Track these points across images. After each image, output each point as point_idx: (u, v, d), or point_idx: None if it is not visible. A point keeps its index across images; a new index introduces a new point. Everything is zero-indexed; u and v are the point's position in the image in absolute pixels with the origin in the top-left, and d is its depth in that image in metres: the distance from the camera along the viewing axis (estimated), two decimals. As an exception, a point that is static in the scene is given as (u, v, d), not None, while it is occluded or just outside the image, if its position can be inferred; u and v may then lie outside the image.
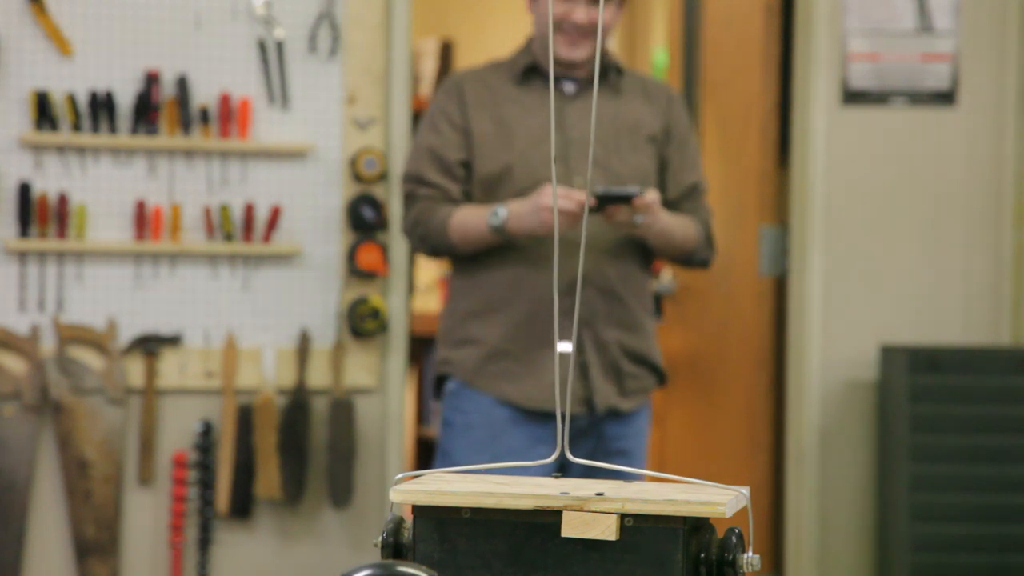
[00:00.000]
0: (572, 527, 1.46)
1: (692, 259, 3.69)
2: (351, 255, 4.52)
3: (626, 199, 3.43)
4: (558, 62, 3.59)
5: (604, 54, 3.69)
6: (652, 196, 3.46)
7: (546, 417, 3.59)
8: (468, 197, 3.62)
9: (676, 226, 3.59)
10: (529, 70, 3.66)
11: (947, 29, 4.73)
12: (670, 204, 3.66)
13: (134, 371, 4.49)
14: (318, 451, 4.56)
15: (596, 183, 3.55)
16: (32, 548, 4.47)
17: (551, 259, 3.50)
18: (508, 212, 3.48)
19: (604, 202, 3.44)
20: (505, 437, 3.57)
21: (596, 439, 3.62)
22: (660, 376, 3.72)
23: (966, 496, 4.46)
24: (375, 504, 4.59)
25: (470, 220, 3.54)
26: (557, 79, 3.59)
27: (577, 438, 3.59)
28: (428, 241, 3.61)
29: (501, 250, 3.59)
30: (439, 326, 3.75)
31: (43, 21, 4.43)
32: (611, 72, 3.69)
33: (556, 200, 1.90)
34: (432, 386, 3.76)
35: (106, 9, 4.46)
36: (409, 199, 3.65)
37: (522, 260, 3.58)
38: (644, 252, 3.68)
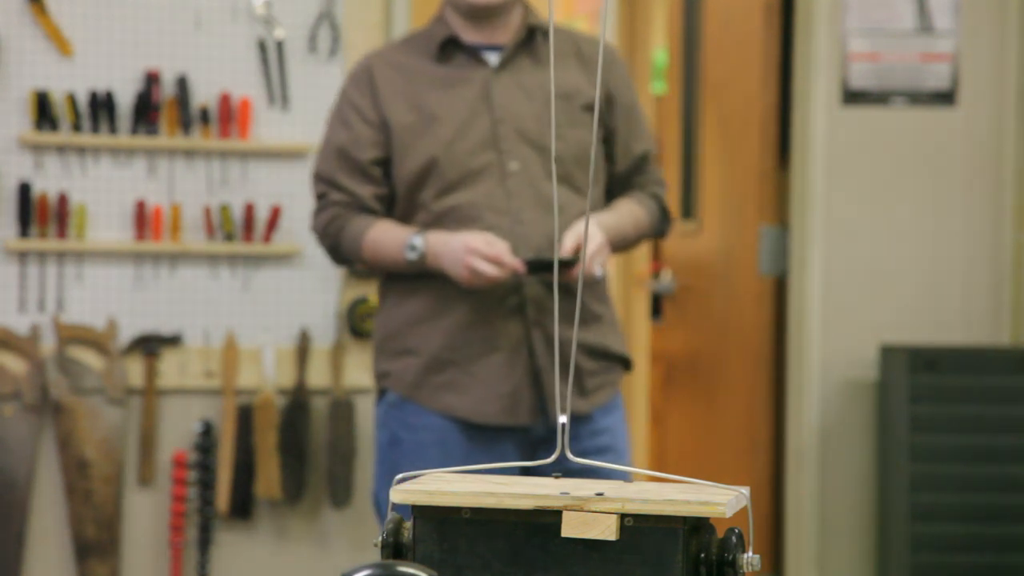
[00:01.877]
0: (572, 527, 1.46)
1: (650, 238, 3.39)
2: (351, 255, 4.52)
3: (565, 264, 3.04)
4: (470, 14, 3.14)
5: (526, 12, 3.22)
6: (593, 250, 3.09)
7: (501, 433, 3.18)
8: (388, 200, 3.21)
9: (626, 225, 3.24)
10: (447, 43, 3.18)
11: (947, 29, 4.73)
12: (619, 178, 3.29)
13: (134, 371, 4.49)
14: (318, 451, 4.56)
15: (533, 167, 3.14)
16: (32, 548, 4.47)
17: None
18: (426, 248, 3.08)
19: (536, 269, 3.05)
20: (464, 460, 3.13)
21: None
22: (625, 363, 3.33)
23: (966, 496, 4.46)
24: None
25: (385, 244, 3.14)
26: (477, 49, 3.17)
27: (538, 448, 3.19)
28: (339, 252, 3.22)
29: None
30: (374, 335, 3.31)
31: (43, 21, 4.43)
32: (537, 35, 3.21)
33: (557, 203, 1.86)
34: (375, 399, 3.38)
35: (106, 9, 4.46)
36: (320, 200, 3.22)
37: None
38: None
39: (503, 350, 3.15)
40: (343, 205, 3.18)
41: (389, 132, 3.16)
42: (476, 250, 3.01)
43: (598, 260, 3.12)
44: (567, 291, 3.15)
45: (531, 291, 3.15)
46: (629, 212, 3.26)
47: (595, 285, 3.27)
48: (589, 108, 3.19)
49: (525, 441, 3.20)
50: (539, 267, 3.05)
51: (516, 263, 3.03)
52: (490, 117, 3.13)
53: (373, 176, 3.18)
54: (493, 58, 3.17)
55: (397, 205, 3.20)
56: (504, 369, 3.15)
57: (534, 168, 3.14)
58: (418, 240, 3.09)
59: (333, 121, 3.22)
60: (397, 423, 3.22)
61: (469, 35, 3.17)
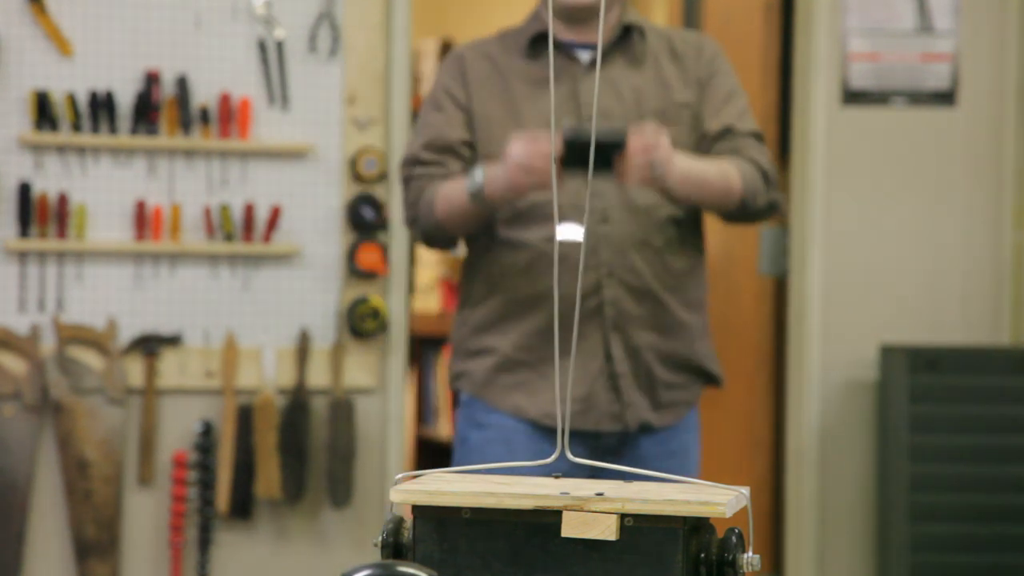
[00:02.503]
0: (572, 527, 1.46)
1: (751, 204, 3.09)
2: (351, 255, 4.52)
3: (612, 145, 2.83)
4: (563, 14, 3.09)
5: (622, 11, 3.16)
6: (650, 133, 2.92)
7: (571, 437, 3.18)
8: None
9: (707, 168, 3.04)
10: (538, 38, 3.14)
11: (947, 29, 4.73)
12: (705, 150, 3.14)
13: (134, 371, 4.49)
14: (318, 451, 4.56)
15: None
16: (32, 548, 4.47)
17: (572, 258, 3.04)
18: (485, 174, 3.00)
19: (574, 149, 2.85)
20: (525, 458, 3.00)
21: (632, 461, 3.12)
22: (709, 378, 3.21)
23: (966, 496, 4.46)
24: (375, 504, 4.59)
25: (453, 190, 3.05)
26: (569, 46, 3.13)
27: (606, 457, 3.10)
28: (419, 224, 3.14)
29: (514, 249, 3.12)
30: (452, 338, 3.29)
31: (43, 21, 4.43)
32: (633, 35, 3.15)
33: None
34: (451, 402, 3.45)
35: (106, 9, 4.46)
36: (406, 183, 3.18)
37: (538, 260, 3.11)
38: (683, 238, 3.18)
39: (578, 353, 3.05)
40: (426, 177, 3.13)
41: (474, 121, 3.13)
42: (516, 143, 2.92)
43: (657, 153, 2.90)
44: (648, 296, 3.08)
45: (610, 293, 3.07)
46: (714, 161, 3.08)
47: (684, 290, 3.15)
48: (684, 106, 3.14)
49: (596, 448, 3.10)
50: (578, 149, 2.83)
51: (551, 142, 2.73)
52: (577, 115, 3.08)
53: (462, 155, 3.13)
54: (585, 56, 3.13)
55: None
56: (577, 372, 3.06)
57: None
58: (477, 170, 3.01)
59: (426, 106, 3.18)
60: (466, 422, 3.19)
61: (562, 33, 3.12)
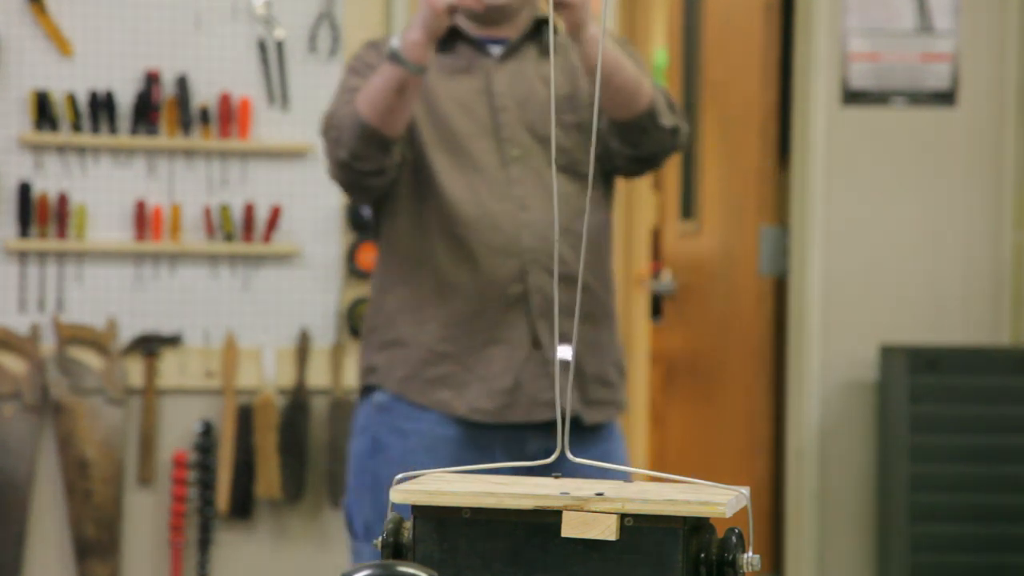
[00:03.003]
0: (572, 527, 1.46)
1: (657, 118, 2.97)
2: (351, 255, 4.53)
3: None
4: (474, 18, 3.02)
5: (534, 8, 3.09)
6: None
7: (494, 440, 2.96)
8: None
9: (623, 57, 2.92)
10: (450, 35, 3.04)
11: (947, 29, 4.73)
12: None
13: (134, 371, 4.49)
14: (318, 451, 4.56)
15: (535, 156, 2.98)
16: (32, 548, 4.47)
17: (493, 245, 2.95)
18: (401, 35, 2.86)
19: None
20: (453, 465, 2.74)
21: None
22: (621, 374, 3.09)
23: (966, 496, 4.46)
24: (375, 504, 4.59)
25: (371, 80, 2.88)
26: (481, 42, 3.06)
27: (542, 456, 2.75)
28: (341, 144, 2.92)
29: (433, 234, 2.98)
30: (363, 328, 3.10)
31: (43, 21, 4.43)
32: (544, 27, 3.08)
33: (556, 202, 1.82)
34: (358, 397, 3.10)
35: (106, 9, 4.47)
36: (326, 133, 2.99)
37: (460, 246, 2.97)
38: (601, 223, 3.09)
39: (504, 343, 2.95)
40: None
41: None
42: None
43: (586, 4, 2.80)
44: (575, 283, 2.94)
45: (535, 281, 2.96)
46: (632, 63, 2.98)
47: (605, 274, 3.05)
48: (589, 93, 3.06)
49: (520, 453, 2.96)
50: None
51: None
52: (490, 106, 3.02)
53: None
54: (495, 49, 3.07)
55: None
56: (503, 363, 2.95)
57: (536, 157, 3.01)
58: (394, 36, 2.90)
59: (346, 74, 3.05)
60: (384, 427, 2.98)
61: (473, 29, 3.11)
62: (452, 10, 2.83)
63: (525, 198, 3.00)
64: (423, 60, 2.85)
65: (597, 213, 3.08)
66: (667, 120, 2.99)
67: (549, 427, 2.94)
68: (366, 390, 3.03)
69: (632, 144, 3.00)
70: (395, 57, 2.83)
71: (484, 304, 2.95)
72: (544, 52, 3.08)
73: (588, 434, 2.99)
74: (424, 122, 3.00)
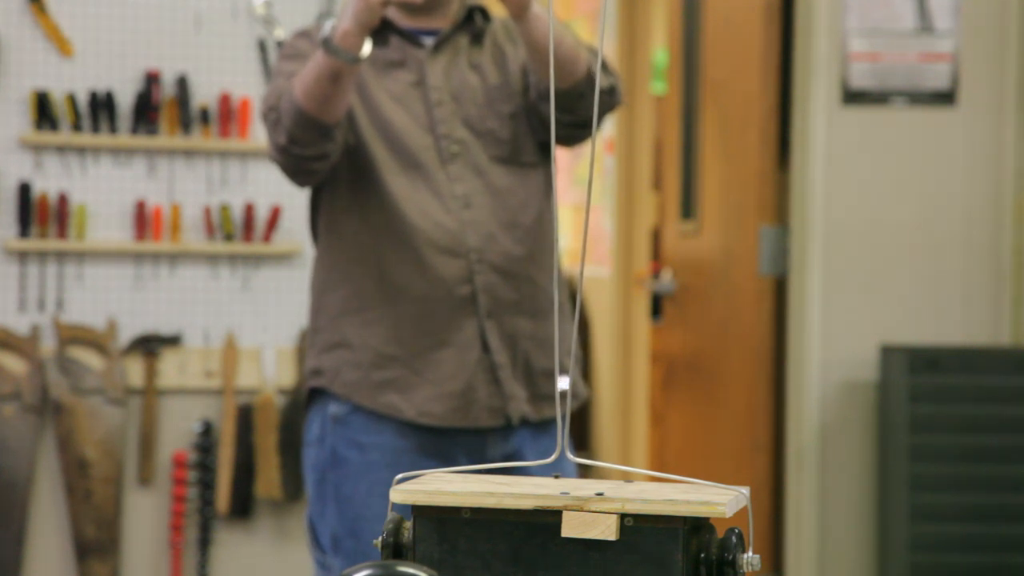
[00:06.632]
0: (572, 527, 1.46)
1: (592, 83, 2.90)
2: (351, 255, 4.53)
3: None
4: (404, 8, 2.96)
5: None
6: None
7: (455, 444, 2.90)
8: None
9: (561, 31, 2.87)
10: (382, 26, 2.98)
11: (947, 29, 4.73)
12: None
13: (134, 371, 4.49)
14: (318, 451, 4.57)
15: (473, 150, 2.94)
16: (32, 548, 4.47)
17: (439, 244, 2.90)
18: (334, 23, 2.79)
19: None
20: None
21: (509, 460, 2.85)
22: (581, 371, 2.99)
23: (965, 496, 4.46)
24: (375, 504, 4.60)
25: (307, 67, 2.81)
26: (413, 33, 3.00)
27: (502, 460, 2.82)
28: (280, 128, 2.84)
29: (376, 231, 2.91)
30: (308, 327, 3.01)
31: (43, 21, 4.43)
32: (475, 17, 3.02)
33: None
34: (303, 403, 3.00)
35: (106, 9, 4.46)
36: (266, 117, 2.90)
37: (405, 246, 2.90)
38: (544, 216, 3.00)
39: (454, 345, 2.88)
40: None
41: None
42: None
43: None
44: (521, 279, 2.91)
45: (482, 280, 2.90)
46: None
47: (551, 269, 2.94)
48: (519, 80, 3.00)
49: (481, 458, 2.90)
50: None
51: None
52: (425, 100, 2.95)
53: None
54: (429, 41, 3.00)
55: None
56: (454, 366, 2.87)
57: (475, 151, 2.95)
58: (328, 23, 2.81)
59: (279, 60, 2.98)
60: (342, 441, 2.90)
61: (405, 21, 3.04)
62: (386, 3, 2.76)
63: (468, 195, 2.93)
64: (357, 50, 2.77)
65: (535, 203, 2.99)
66: (603, 81, 2.91)
67: (506, 430, 2.90)
68: (314, 393, 2.95)
69: (569, 110, 2.93)
70: (328, 46, 2.75)
71: (432, 306, 2.88)
72: (474, 39, 3.02)
73: (540, 429, 2.95)
74: (361, 116, 2.93)
